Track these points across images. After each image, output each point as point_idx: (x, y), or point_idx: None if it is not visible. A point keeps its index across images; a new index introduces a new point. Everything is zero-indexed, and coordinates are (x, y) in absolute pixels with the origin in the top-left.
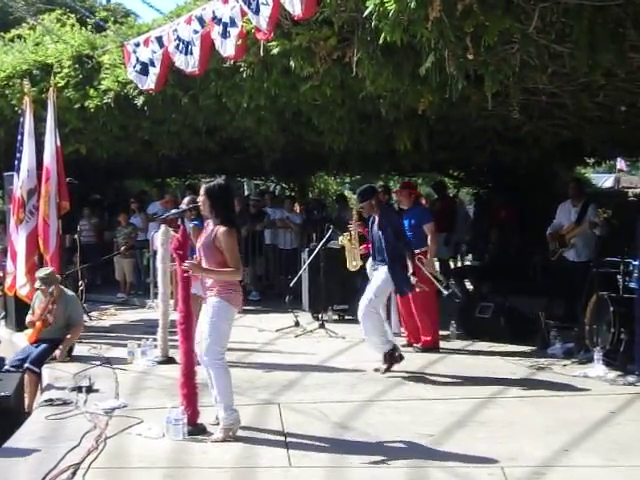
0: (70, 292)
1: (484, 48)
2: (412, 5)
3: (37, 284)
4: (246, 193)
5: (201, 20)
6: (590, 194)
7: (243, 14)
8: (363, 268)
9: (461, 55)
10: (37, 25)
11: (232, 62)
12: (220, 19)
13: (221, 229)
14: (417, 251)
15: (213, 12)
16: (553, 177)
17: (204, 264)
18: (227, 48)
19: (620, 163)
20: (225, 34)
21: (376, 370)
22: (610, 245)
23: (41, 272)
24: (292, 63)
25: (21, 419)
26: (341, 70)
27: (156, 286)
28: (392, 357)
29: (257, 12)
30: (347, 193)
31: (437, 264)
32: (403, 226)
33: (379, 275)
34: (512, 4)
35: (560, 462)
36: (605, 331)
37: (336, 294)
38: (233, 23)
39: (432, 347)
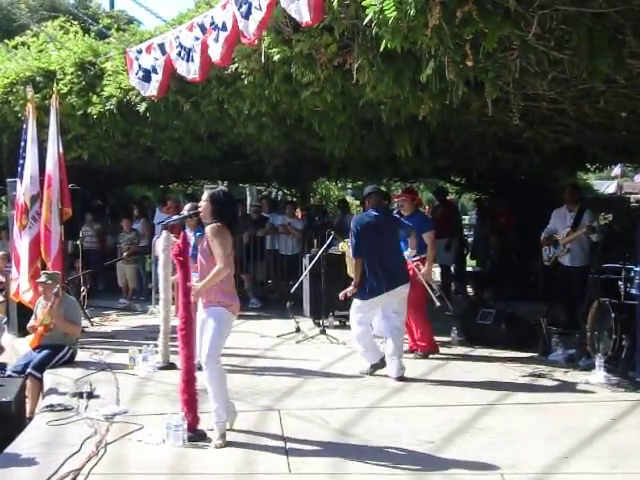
0: (70, 297)
1: (484, 55)
2: (411, 12)
3: (42, 278)
4: (248, 200)
5: (202, 27)
6: (591, 200)
7: (235, 19)
8: None
9: (461, 62)
10: (40, 32)
11: (233, 69)
12: (217, 25)
13: (209, 226)
14: (416, 258)
15: (212, 18)
16: (555, 183)
17: (202, 269)
18: (215, 53)
19: (616, 170)
20: (217, 39)
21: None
22: (612, 251)
23: (47, 271)
24: (293, 70)
25: (22, 424)
26: (342, 77)
27: (158, 292)
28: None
29: (246, 16)
30: (349, 199)
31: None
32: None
33: None
34: (511, 11)
35: (560, 469)
36: (607, 337)
37: (337, 300)
38: (224, 28)
39: (431, 351)
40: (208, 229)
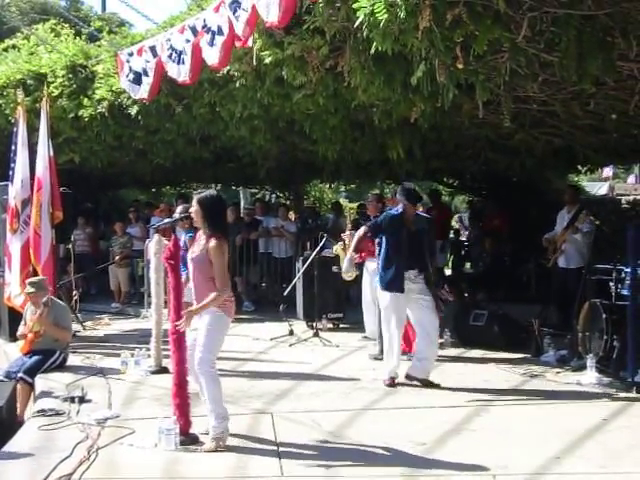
0: (60, 302)
1: (474, 57)
2: (402, 15)
3: (27, 289)
4: (242, 202)
5: (194, 30)
6: (583, 202)
7: (231, 23)
8: (358, 277)
9: (451, 64)
10: (31, 35)
11: (225, 71)
12: (210, 28)
13: (212, 243)
14: None
15: (204, 21)
16: (546, 185)
17: (196, 276)
18: (211, 57)
19: (606, 171)
20: (212, 42)
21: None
22: (603, 252)
23: (32, 279)
24: (285, 72)
25: (13, 429)
26: (334, 79)
27: (150, 296)
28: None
29: (237, 19)
30: (342, 201)
31: None
32: None
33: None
34: (501, 13)
35: (552, 470)
36: (598, 338)
37: (330, 303)
38: (220, 32)
39: None
40: (211, 247)
